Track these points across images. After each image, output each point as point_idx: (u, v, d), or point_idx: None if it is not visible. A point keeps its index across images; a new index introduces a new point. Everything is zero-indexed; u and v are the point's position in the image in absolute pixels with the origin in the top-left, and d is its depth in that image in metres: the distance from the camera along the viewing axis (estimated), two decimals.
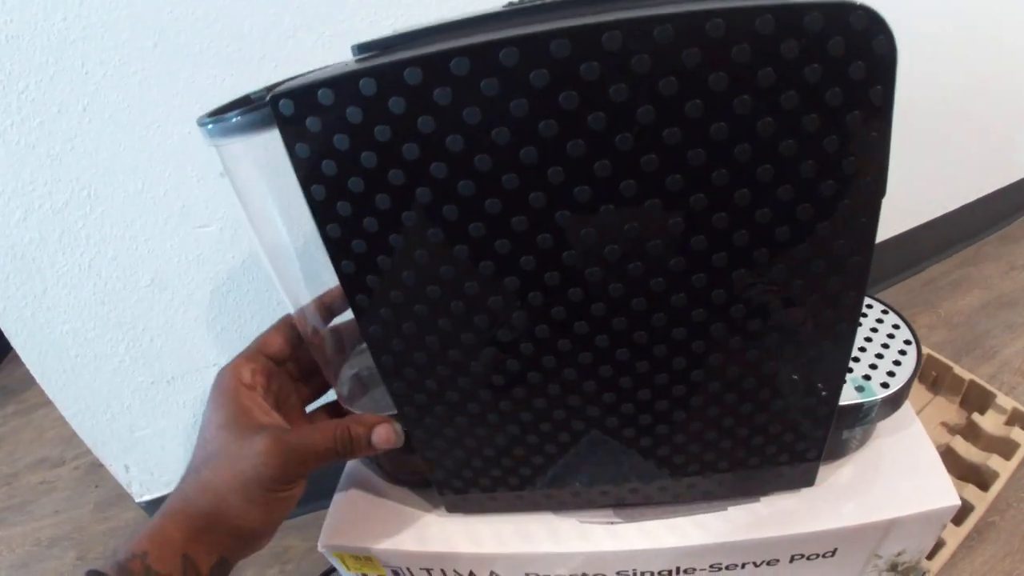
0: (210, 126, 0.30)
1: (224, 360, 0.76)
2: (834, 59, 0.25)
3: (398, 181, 0.29)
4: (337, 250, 0.32)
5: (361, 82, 0.26)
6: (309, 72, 0.36)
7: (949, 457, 0.79)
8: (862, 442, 0.45)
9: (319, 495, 0.52)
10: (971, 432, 0.83)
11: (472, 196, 0.29)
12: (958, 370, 0.88)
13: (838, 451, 0.45)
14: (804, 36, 0.25)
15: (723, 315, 0.32)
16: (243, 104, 0.33)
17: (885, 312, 0.47)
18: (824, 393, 0.36)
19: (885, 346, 0.44)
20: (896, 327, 0.46)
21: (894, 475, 0.44)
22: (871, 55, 0.25)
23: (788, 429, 0.38)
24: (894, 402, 0.42)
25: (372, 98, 0.27)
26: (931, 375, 0.90)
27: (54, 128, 0.54)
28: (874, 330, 0.46)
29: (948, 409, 0.88)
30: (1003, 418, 0.84)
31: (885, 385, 0.41)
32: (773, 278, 0.31)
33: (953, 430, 0.85)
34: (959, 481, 0.77)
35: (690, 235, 0.30)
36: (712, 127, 0.27)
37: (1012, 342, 1.08)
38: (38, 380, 0.70)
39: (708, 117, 0.27)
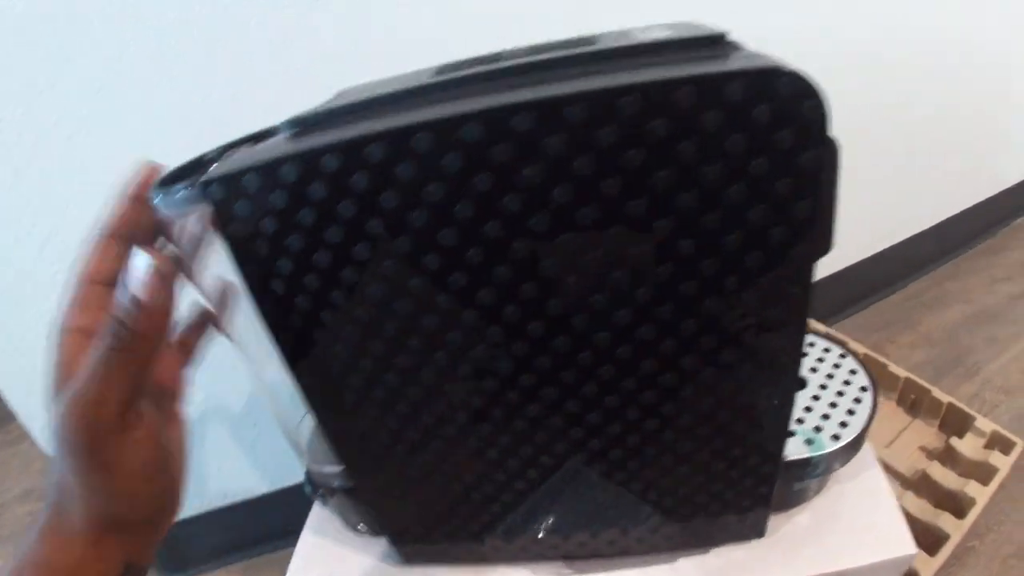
0: (158, 199, 0.30)
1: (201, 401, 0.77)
2: (760, 128, 0.25)
3: (324, 263, 0.29)
4: (273, 326, 0.32)
5: (282, 169, 0.26)
6: (246, 141, 0.36)
7: (926, 484, 0.79)
8: (819, 489, 0.45)
9: (286, 533, 0.52)
10: (949, 457, 0.83)
11: (396, 275, 0.29)
12: (936, 393, 0.87)
13: (792, 500, 0.44)
14: (726, 106, 0.24)
15: (650, 378, 0.32)
16: (196, 166, 0.33)
17: (843, 356, 0.47)
18: (767, 450, 0.36)
19: (840, 393, 0.44)
20: (853, 372, 0.45)
21: (850, 523, 0.44)
22: (800, 121, 0.25)
23: (733, 484, 0.38)
24: (848, 452, 0.41)
25: (294, 184, 0.27)
26: (909, 398, 0.89)
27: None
28: (830, 376, 0.45)
29: (927, 433, 0.87)
30: (982, 441, 0.84)
31: (836, 437, 0.41)
32: (702, 351, 0.31)
33: (931, 454, 0.85)
34: (935, 509, 0.76)
35: (615, 308, 0.29)
36: (630, 204, 0.26)
37: (995, 358, 1.07)
38: (19, 418, 0.70)
39: (627, 193, 0.26)
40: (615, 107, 0.24)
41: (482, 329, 0.31)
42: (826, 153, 0.26)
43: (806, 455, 0.40)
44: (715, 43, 0.29)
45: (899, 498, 0.76)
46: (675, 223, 0.27)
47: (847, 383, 0.45)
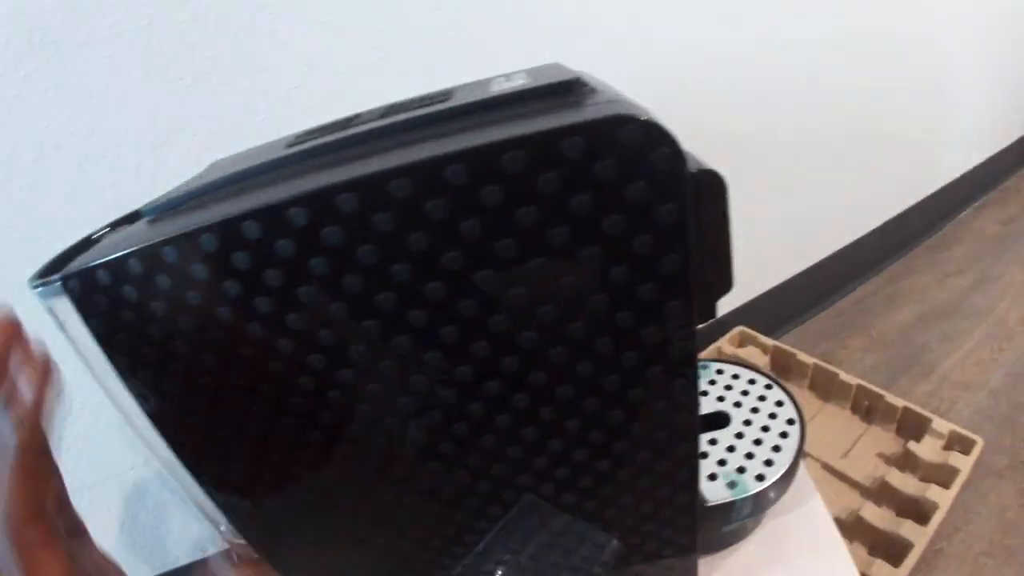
0: (39, 290, 0.29)
1: (144, 463, 0.74)
2: (607, 184, 0.23)
3: (183, 350, 0.28)
4: (150, 416, 0.31)
5: (129, 262, 0.26)
6: (123, 222, 0.35)
7: (886, 492, 0.78)
8: (754, 527, 0.43)
9: None
10: (908, 462, 0.82)
11: (254, 357, 0.28)
12: (890, 397, 0.86)
13: (727, 540, 0.43)
14: (566, 165, 0.23)
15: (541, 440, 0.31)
16: (83, 246, 0.32)
17: (769, 386, 0.45)
18: (677, 502, 0.34)
19: (766, 428, 0.42)
20: (780, 403, 0.44)
21: (790, 560, 0.42)
22: (653, 172, 0.23)
23: (654, 534, 0.36)
24: (778, 489, 0.40)
25: (141, 276, 0.26)
26: (864, 405, 0.89)
27: None
28: (755, 410, 0.44)
29: (884, 438, 0.87)
30: (941, 443, 0.83)
31: (761, 477, 0.39)
32: (585, 413, 0.29)
33: (890, 460, 0.84)
34: (897, 517, 0.75)
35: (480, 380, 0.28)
36: (478, 274, 0.25)
37: (950, 354, 1.07)
38: None
39: (472, 264, 0.24)
40: (443, 178, 0.23)
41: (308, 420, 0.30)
42: (702, 197, 0.25)
43: (729, 499, 0.38)
44: (569, 90, 0.27)
45: (859, 509, 0.75)
46: (531, 291, 0.25)
47: (773, 416, 0.43)
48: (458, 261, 0.24)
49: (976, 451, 0.82)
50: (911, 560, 0.70)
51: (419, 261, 0.24)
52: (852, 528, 0.75)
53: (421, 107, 0.29)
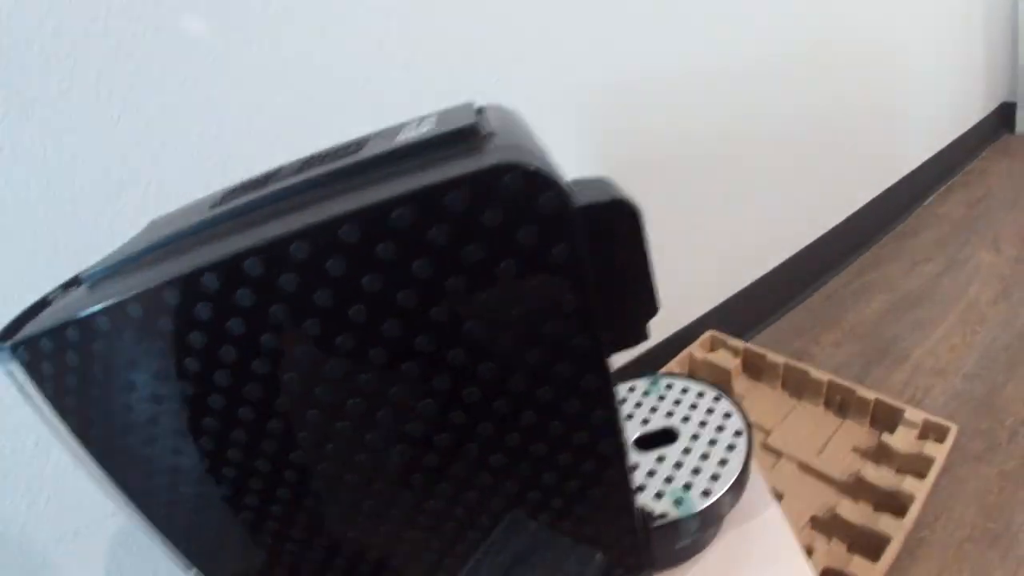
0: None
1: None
2: (496, 231, 0.24)
3: (125, 411, 0.29)
4: (109, 476, 0.32)
5: (68, 331, 0.27)
6: (72, 284, 0.36)
7: (862, 486, 0.78)
8: (713, 539, 0.43)
9: None
10: (884, 454, 0.82)
11: (193, 415, 0.29)
12: (862, 391, 0.87)
13: (681, 555, 0.43)
14: (453, 217, 0.23)
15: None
16: (38, 308, 0.32)
17: (717, 399, 0.46)
18: (618, 526, 0.34)
19: (713, 442, 0.43)
20: (727, 415, 0.44)
21: (749, 570, 0.42)
22: (540, 215, 0.24)
23: (607, 552, 0.36)
24: (729, 500, 0.40)
25: (79, 343, 0.27)
26: (836, 400, 0.89)
27: None
28: (703, 423, 0.44)
29: (858, 432, 0.87)
30: (914, 433, 0.84)
31: (707, 493, 0.39)
32: (507, 449, 0.29)
33: (865, 454, 0.84)
34: (874, 512, 0.75)
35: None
36: (385, 324, 0.25)
37: (922, 341, 1.08)
38: None
39: (376, 317, 0.25)
40: (339, 238, 0.24)
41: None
42: (614, 225, 0.26)
43: (676, 517, 0.38)
44: (469, 136, 0.28)
45: (836, 506, 0.76)
46: (438, 336, 0.26)
47: (720, 429, 0.43)
48: (363, 314, 0.25)
49: (950, 438, 0.82)
50: (889, 555, 0.71)
51: (327, 317, 0.25)
52: (829, 525, 0.75)
53: (334, 160, 0.30)
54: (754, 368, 0.96)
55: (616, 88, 0.82)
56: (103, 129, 0.53)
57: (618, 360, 0.92)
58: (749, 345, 0.95)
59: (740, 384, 0.95)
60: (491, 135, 0.28)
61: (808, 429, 0.87)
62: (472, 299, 0.25)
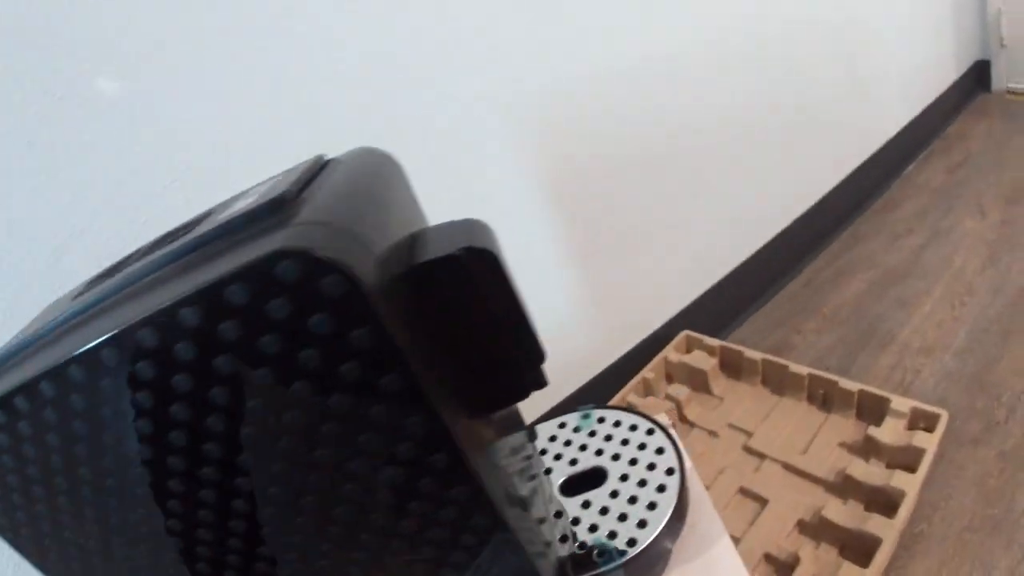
0: None
1: None
2: (286, 322, 0.21)
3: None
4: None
5: None
6: None
7: (850, 485, 0.74)
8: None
9: None
10: (872, 448, 0.78)
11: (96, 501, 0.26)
12: (844, 382, 0.83)
13: None
14: (237, 311, 0.20)
15: None
16: None
17: (651, 432, 0.42)
18: None
19: (643, 483, 0.39)
20: (660, 451, 0.41)
21: None
22: (328, 300, 0.21)
23: None
24: (668, 534, 0.36)
25: None
26: (819, 394, 0.85)
27: None
28: (633, 461, 0.40)
29: (844, 426, 0.83)
30: (903, 423, 0.79)
31: (633, 542, 0.36)
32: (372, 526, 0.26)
33: (853, 449, 0.80)
34: (864, 512, 0.71)
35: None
36: (204, 423, 0.23)
37: (907, 320, 1.04)
38: None
39: (198, 414, 0.22)
40: (137, 341, 0.22)
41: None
42: (473, 276, 0.24)
43: (597, 571, 0.34)
44: (277, 209, 0.25)
45: (822, 508, 0.72)
46: (261, 429, 0.23)
47: (652, 467, 0.40)
48: (184, 412, 0.22)
49: (941, 426, 0.78)
50: (880, 559, 0.66)
51: (149, 419, 0.23)
52: (817, 529, 0.71)
53: (170, 241, 0.28)
54: (732, 367, 0.92)
55: (566, 91, 0.78)
56: (46, 185, 0.51)
57: (581, 376, 0.88)
58: (725, 343, 0.91)
59: (719, 384, 0.91)
60: (301, 205, 0.25)
61: (792, 427, 0.83)
62: (287, 393, 0.22)
